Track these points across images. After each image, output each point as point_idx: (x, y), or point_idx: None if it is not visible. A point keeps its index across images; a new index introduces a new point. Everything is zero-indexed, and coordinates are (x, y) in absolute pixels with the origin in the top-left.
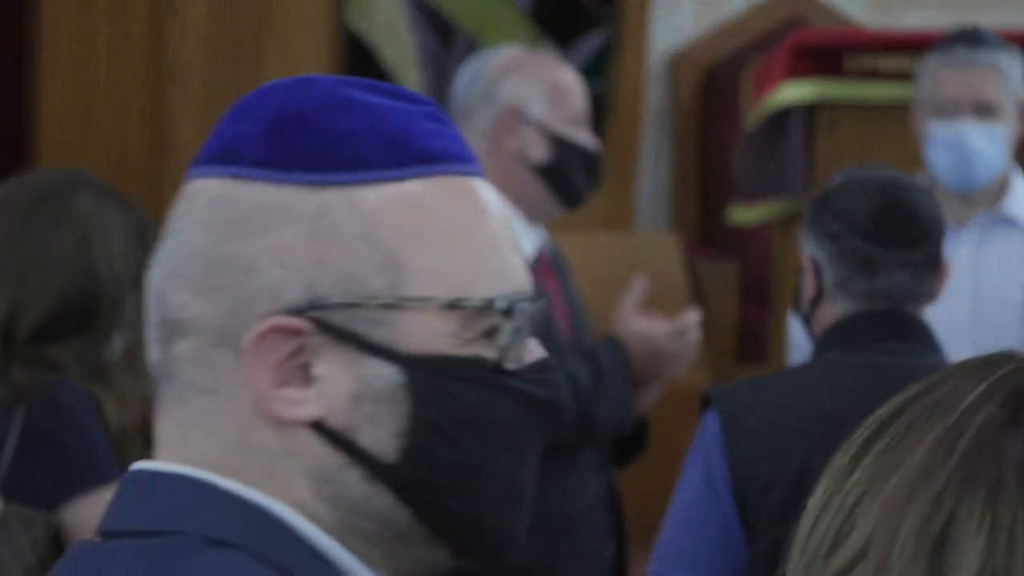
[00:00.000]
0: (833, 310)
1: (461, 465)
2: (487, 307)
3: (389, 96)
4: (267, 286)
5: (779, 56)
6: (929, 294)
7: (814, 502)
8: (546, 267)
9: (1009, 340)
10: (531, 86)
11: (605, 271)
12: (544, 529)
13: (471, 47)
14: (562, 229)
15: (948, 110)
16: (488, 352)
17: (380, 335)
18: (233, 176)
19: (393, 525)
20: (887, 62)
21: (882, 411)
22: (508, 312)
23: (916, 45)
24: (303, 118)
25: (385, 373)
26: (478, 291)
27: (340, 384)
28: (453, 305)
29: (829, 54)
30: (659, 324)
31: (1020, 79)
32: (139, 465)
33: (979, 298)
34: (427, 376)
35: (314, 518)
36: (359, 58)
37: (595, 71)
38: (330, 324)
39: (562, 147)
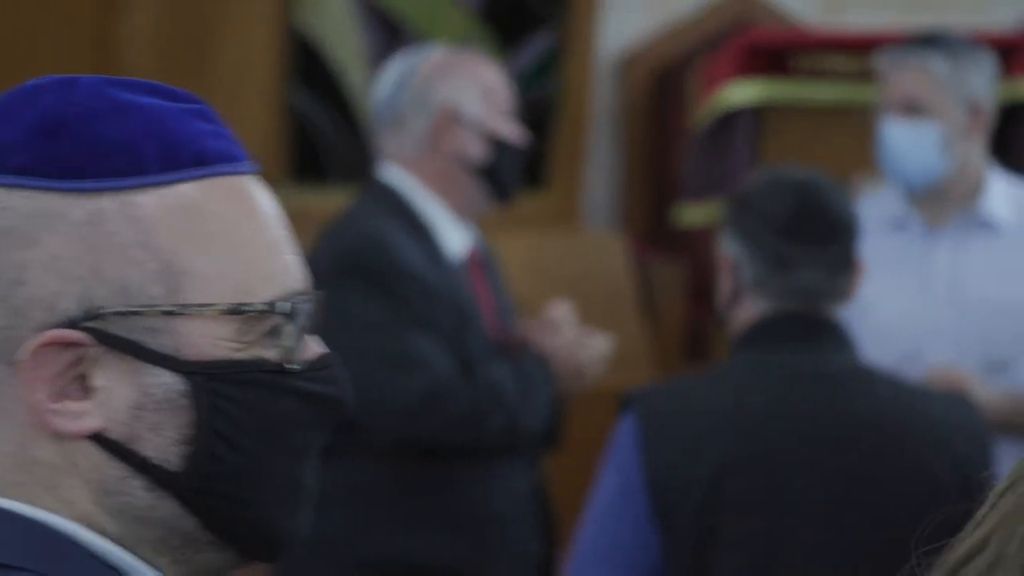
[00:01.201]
0: (752, 308)
1: (245, 470)
2: (269, 310)
3: (157, 95)
4: (41, 297)
5: (727, 56)
6: (843, 294)
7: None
8: (477, 266)
9: (1002, 344)
10: (464, 86)
11: (553, 271)
12: (470, 529)
13: (419, 46)
14: (510, 229)
15: (882, 109)
16: (269, 353)
17: (160, 343)
18: None
19: (179, 532)
20: (834, 62)
21: None
22: (290, 313)
23: (863, 45)
24: (70, 123)
25: (166, 381)
26: (258, 293)
27: (120, 394)
28: (234, 310)
29: (777, 54)
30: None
31: (980, 81)
32: None
33: (961, 301)
34: (209, 382)
35: (99, 530)
36: (307, 58)
37: (543, 71)
38: (108, 334)
39: (498, 145)
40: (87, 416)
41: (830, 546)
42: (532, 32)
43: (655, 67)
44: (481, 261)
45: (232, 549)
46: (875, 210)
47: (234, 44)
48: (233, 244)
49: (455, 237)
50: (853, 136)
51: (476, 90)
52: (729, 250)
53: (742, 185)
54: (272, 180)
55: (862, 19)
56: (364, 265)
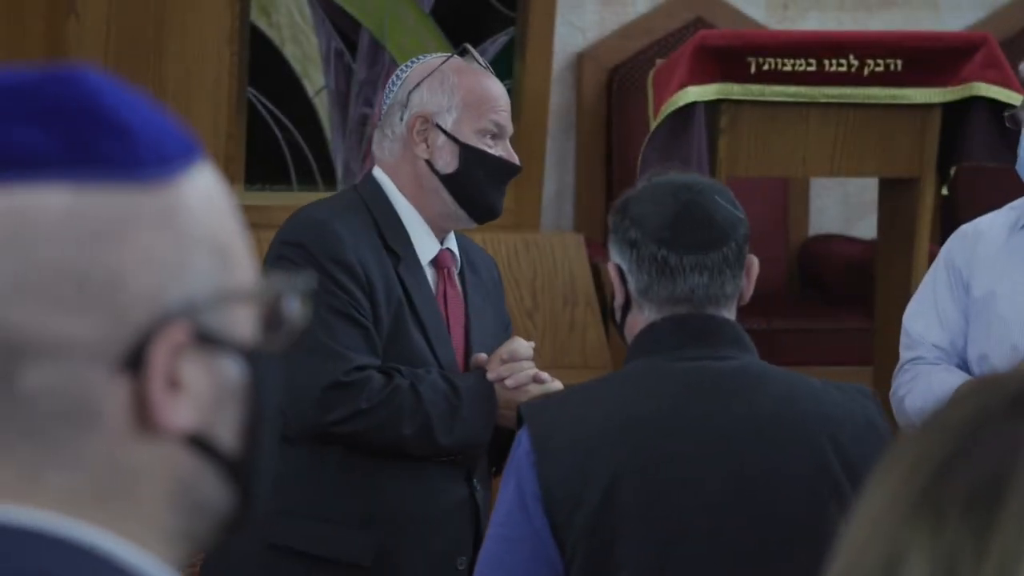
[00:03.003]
0: (641, 317)
1: (271, 451)
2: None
3: (131, 88)
4: (141, 296)
5: (682, 57)
6: (732, 295)
7: None
8: (444, 273)
9: None
10: (444, 94)
11: (510, 271)
12: (389, 529)
13: (374, 47)
14: (467, 229)
15: None
16: (270, 336)
17: (229, 331)
18: (26, 181)
19: (220, 518)
20: (789, 63)
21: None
22: (282, 298)
23: (818, 47)
24: (99, 115)
25: (234, 369)
26: (257, 276)
27: (202, 386)
28: (276, 294)
29: (732, 55)
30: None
31: None
32: None
33: None
34: (257, 366)
35: (158, 526)
36: (262, 57)
37: (499, 72)
38: (200, 326)
39: (471, 158)
40: (183, 411)
41: (728, 552)
42: (489, 33)
43: (609, 67)
44: (450, 269)
45: (227, 529)
46: (1016, 211)
47: (186, 43)
48: (239, 228)
49: (422, 244)
50: (807, 135)
51: (456, 100)
52: (615, 259)
53: (624, 193)
54: (226, 181)
55: (814, 22)
56: (306, 248)
